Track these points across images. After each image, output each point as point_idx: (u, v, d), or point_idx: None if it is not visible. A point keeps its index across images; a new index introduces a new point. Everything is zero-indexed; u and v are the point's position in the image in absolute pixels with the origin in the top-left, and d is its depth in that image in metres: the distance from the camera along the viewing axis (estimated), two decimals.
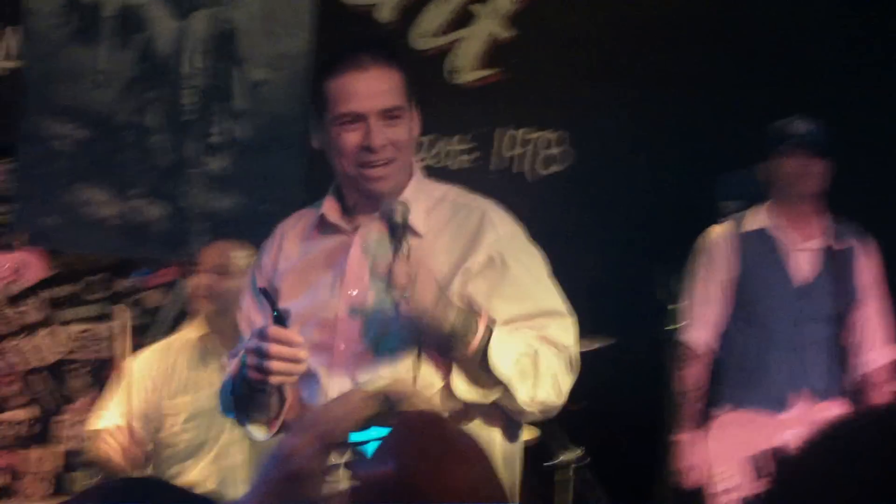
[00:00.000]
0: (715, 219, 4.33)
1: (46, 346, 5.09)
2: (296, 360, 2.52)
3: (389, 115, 2.65)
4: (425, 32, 5.12)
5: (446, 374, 2.61)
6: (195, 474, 3.98)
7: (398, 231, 2.52)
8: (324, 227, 2.79)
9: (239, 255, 4.26)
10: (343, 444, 1.70)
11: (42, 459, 5.08)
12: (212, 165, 5.07)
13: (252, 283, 2.89)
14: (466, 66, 5.15)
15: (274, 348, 2.51)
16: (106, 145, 4.98)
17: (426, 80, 5.05)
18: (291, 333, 2.53)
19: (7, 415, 5.22)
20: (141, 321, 5.05)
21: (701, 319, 4.23)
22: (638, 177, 5.09)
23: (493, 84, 5.17)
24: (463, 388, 2.61)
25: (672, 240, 4.43)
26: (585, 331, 4.32)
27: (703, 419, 4.20)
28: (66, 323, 5.12)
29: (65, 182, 4.97)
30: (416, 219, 2.63)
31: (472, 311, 2.56)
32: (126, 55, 4.92)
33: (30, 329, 5.10)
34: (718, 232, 4.26)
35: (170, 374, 4.20)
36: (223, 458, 4.00)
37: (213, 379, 4.18)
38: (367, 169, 2.64)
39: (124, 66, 4.88)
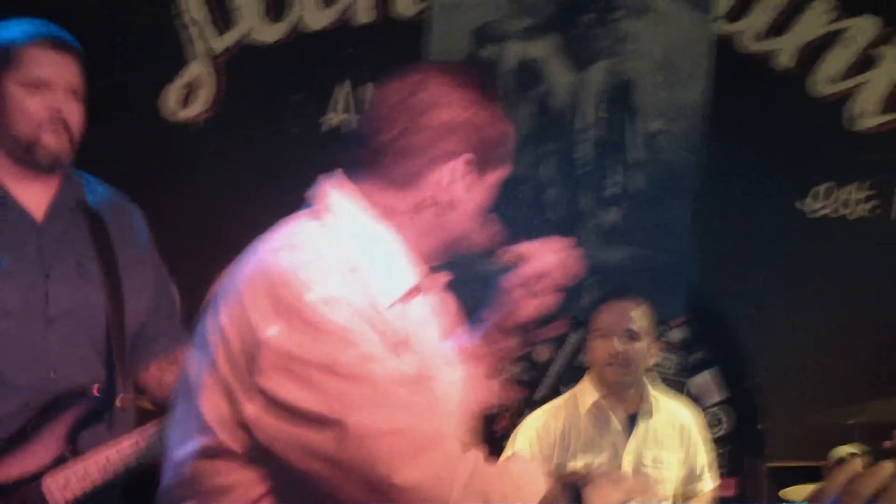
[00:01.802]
0: None
1: None
2: None
3: None
4: (826, 78, 4.92)
5: None
6: None
7: None
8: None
9: (641, 315, 4.15)
10: None
11: None
12: (604, 218, 5.01)
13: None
14: (868, 112, 4.94)
15: None
16: (499, 198, 4.97)
17: (825, 127, 4.88)
18: None
19: None
20: (529, 375, 5.04)
21: None
22: None
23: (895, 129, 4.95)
24: None
25: None
26: None
27: None
28: None
29: None
30: None
31: None
32: (523, 109, 4.91)
33: None
34: None
35: (565, 435, 4.14)
36: None
37: (614, 441, 4.11)
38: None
39: (521, 119, 4.87)
